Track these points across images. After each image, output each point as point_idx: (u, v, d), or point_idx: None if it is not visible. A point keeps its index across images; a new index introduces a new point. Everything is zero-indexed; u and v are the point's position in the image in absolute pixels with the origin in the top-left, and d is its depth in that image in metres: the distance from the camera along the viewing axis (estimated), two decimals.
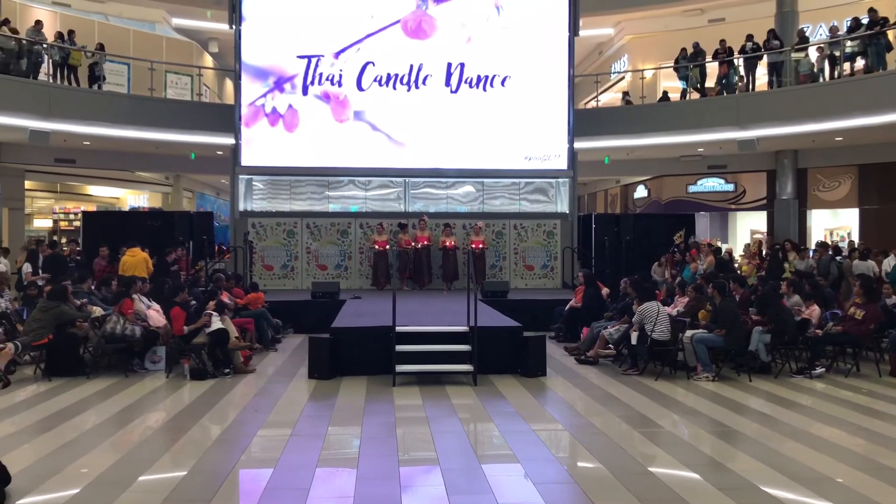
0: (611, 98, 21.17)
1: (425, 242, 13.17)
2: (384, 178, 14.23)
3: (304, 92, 13.67)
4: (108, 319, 7.92)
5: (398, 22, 13.80)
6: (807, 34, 14.76)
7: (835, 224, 16.64)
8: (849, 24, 13.44)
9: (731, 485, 4.40)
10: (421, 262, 13.21)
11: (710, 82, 15.32)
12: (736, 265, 13.18)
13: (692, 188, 18.65)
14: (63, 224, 19.35)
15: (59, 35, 14.38)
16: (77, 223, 18.16)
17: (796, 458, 4.94)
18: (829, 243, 13.51)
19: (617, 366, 8.29)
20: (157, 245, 11.96)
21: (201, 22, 19.43)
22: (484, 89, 13.89)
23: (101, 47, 14.85)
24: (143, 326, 8.02)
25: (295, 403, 6.52)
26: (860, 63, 12.89)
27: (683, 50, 15.49)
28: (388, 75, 13.79)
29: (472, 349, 7.38)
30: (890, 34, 12.60)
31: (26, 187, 17.13)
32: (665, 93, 16.41)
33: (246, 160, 13.71)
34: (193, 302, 8.85)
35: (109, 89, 14.60)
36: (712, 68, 15.23)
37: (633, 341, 7.89)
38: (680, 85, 15.72)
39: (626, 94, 17.25)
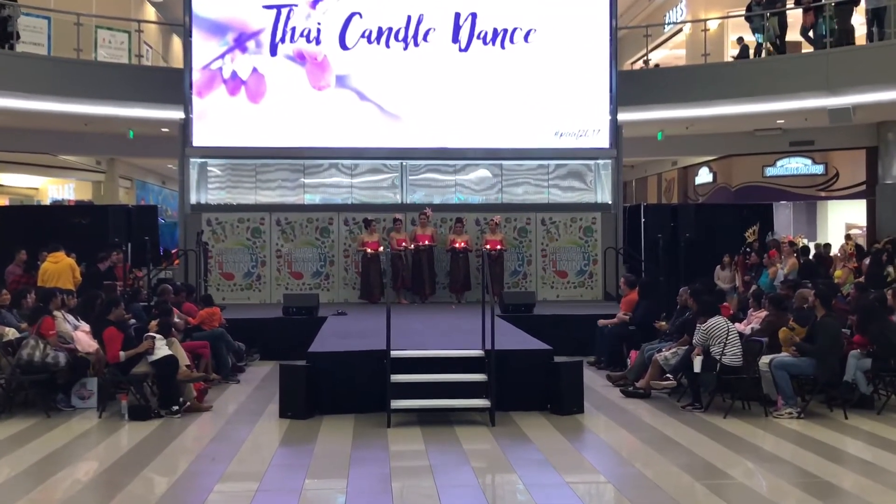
0: (665, 56, 21.23)
1: (428, 242, 13.24)
2: (375, 160, 14.31)
3: (273, 52, 13.75)
4: (24, 344, 7.80)
5: None
6: None
7: None
8: None
9: None
10: (422, 267, 13.27)
11: (793, 35, 15.29)
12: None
13: (770, 171, 18.62)
14: None
15: None
16: None
17: None
18: None
19: (675, 399, 8.30)
20: (86, 248, 11.99)
21: None
22: (502, 46, 13.93)
23: None
24: (68, 352, 7.98)
25: (262, 450, 6.55)
26: None
27: None
28: (380, 30, 13.84)
29: (489, 379, 7.38)
30: None
31: None
32: (745, 45, 16.31)
33: (199, 139, 13.82)
34: (133, 321, 8.91)
35: (25, 50, 14.63)
36: (795, 17, 15.21)
37: (696, 368, 7.86)
38: (753, 39, 15.71)
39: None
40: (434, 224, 13.57)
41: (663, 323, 9.32)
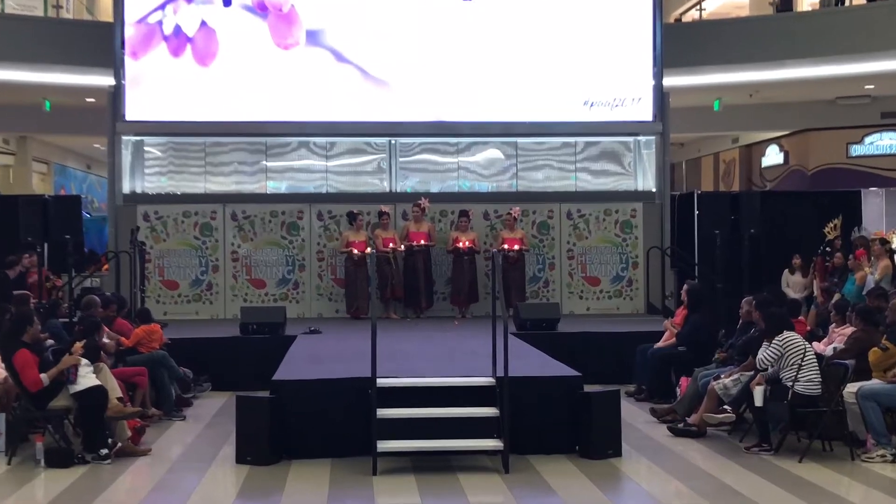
0: (722, 4, 21.14)
1: (423, 242, 13.29)
2: (357, 137, 14.35)
3: (227, 1, 13.79)
4: None
5: None
6: None
7: None
8: None
9: None
10: (416, 273, 13.31)
11: None
12: None
13: (856, 150, 18.62)
14: None
15: None
16: None
17: None
18: None
19: (737, 439, 8.26)
20: None
21: None
22: None
23: None
24: None
25: None
26: None
27: None
28: None
29: (501, 414, 7.37)
30: None
31: None
32: None
33: (133, 112, 13.85)
34: (51, 342, 8.88)
35: None
36: None
37: (758, 401, 7.84)
38: None
39: None
40: (431, 218, 13.62)
41: (723, 353, 9.31)
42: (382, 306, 13.20)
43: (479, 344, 9.20)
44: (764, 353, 7.91)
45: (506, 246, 13.09)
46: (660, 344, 10.28)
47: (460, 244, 13.27)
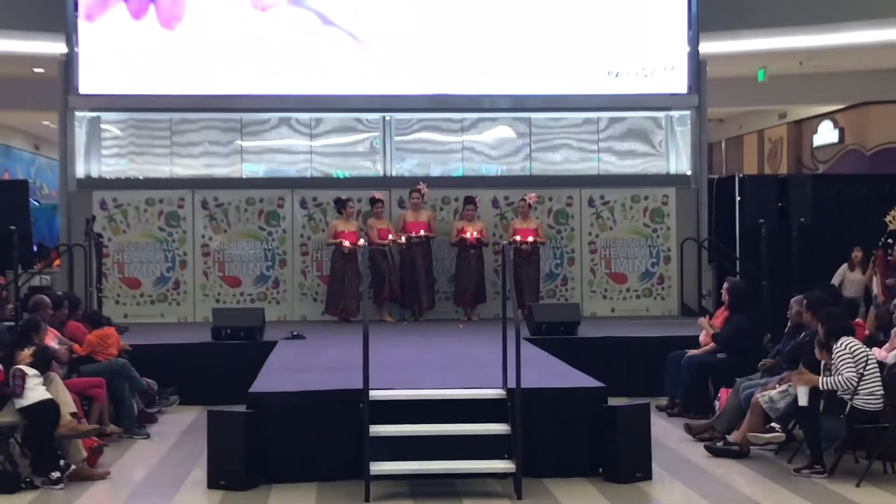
0: None
1: (423, 233, 13.34)
2: (346, 113, 14.40)
3: None
4: None
5: None
6: None
7: None
8: None
9: None
10: (415, 269, 13.35)
11: None
12: None
13: None
14: None
15: None
16: None
17: None
18: None
19: (785, 460, 8.25)
20: None
21: None
22: None
23: None
24: None
25: None
26: None
27: None
28: None
29: (513, 431, 7.37)
30: None
31: None
32: None
33: (88, 84, 13.89)
34: None
35: None
36: None
37: (801, 400, 7.86)
38: None
39: None
40: (431, 206, 13.68)
41: (768, 361, 9.22)
42: (375, 308, 13.27)
43: (488, 351, 9.21)
44: (843, 376, 7.60)
45: (518, 238, 13.13)
46: (695, 351, 10.20)
47: (466, 235, 13.32)
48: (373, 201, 13.40)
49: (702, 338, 10.30)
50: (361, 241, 12.77)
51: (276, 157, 14.51)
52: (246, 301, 13.58)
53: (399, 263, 13.42)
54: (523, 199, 13.50)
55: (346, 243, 13.04)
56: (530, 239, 13.27)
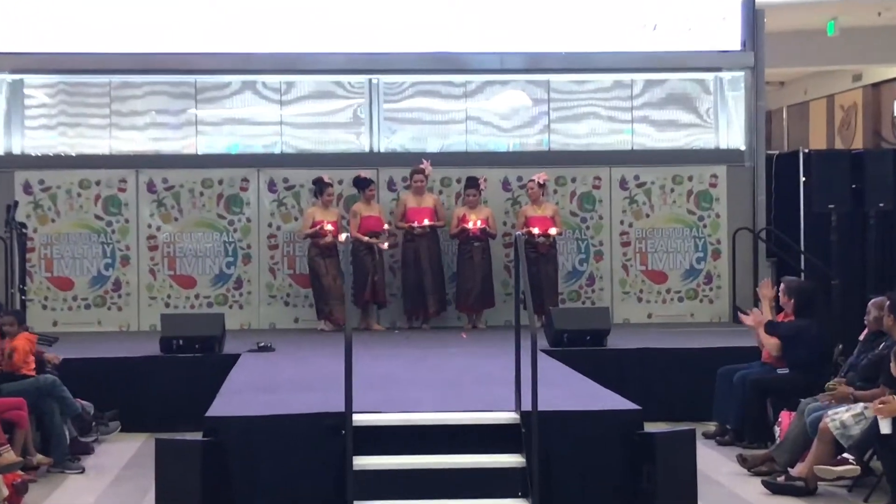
0: None
1: (429, 222, 13.52)
2: (324, 75, 14.56)
3: None
4: None
5: None
6: None
7: None
8: None
9: None
10: (420, 266, 13.53)
11: None
12: None
13: None
14: None
15: None
16: None
17: None
18: None
19: (860, 498, 8.20)
20: None
21: None
22: None
23: None
24: None
25: None
26: None
27: None
28: None
29: (529, 464, 7.40)
30: None
31: None
32: None
33: (7, 40, 13.93)
34: None
35: None
36: None
37: (884, 429, 7.72)
38: None
39: None
40: (429, 189, 13.82)
41: (840, 381, 9.10)
42: (360, 313, 13.45)
43: (497, 365, 9.30)
44: None
45: (529, 228, 13.21)
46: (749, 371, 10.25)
47: (469, 225, 13.44)
48: (360, 183, 13.50)
49: (762, 349, 10.25)
50: (343, 237, 12.51)
51: (238, 130, 14.61)
52: (202, 305, 13.74)
53: (401, 259, 13.66)
54: (532, 180, 13.59)
55: (329, 227, 13.10)
56: (553, 231, 13.38)
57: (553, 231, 13.38)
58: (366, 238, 13.31)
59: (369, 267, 13.43)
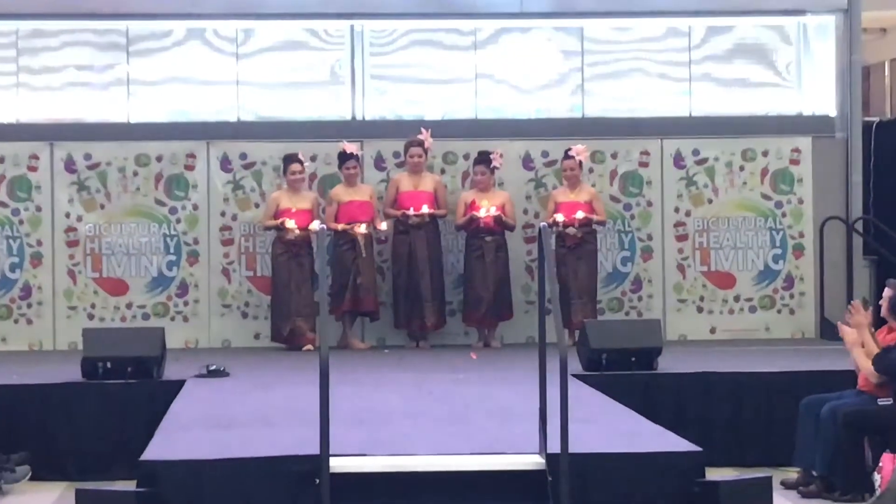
0: None
1: (429, 210, 13.41)
2: (292, 20, 14.46)
3: None
4: None
5: None
6: None
7: None
8: None
9: None
10: (415, 265, 13.45)
11: None
12: None
13: None
14: None
15: None
16: None
17: None
18: None
19: None
20: None
21: None
22: None
23: None
24: None
25: None
26: None
27: None
28: None
29: None
30: None
31: None
32: None
33: None
34: None
35: None
36: None
37: None
38: None
39: None
40: (430, 167, 13.77)
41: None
42: (339, 328, 13.38)
43: (516, 395, 9.34)
44: None
45: (558, 215, 13.14)
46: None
47: (479, 213, 13.35)
48: (342, 159, 13.43)
49: (858, 373, 10.11)
50: (316, 225, 12.79)
51: (182, 92, 14.51)
52: (136, 318, 13.70)
53: (392, 256, 13.63)
54: (569, 157, 13.49)
55: (291, 225, 13.08)
56: (580, 215, 13.23)
57: (580, 215, 13.26)
58: (341, 226, 13.26)
59: (350, 266, 13.37)
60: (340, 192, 13.41)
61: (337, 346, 12.98)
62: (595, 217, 13.42)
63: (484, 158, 13.51)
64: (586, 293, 13.39)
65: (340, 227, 13.23)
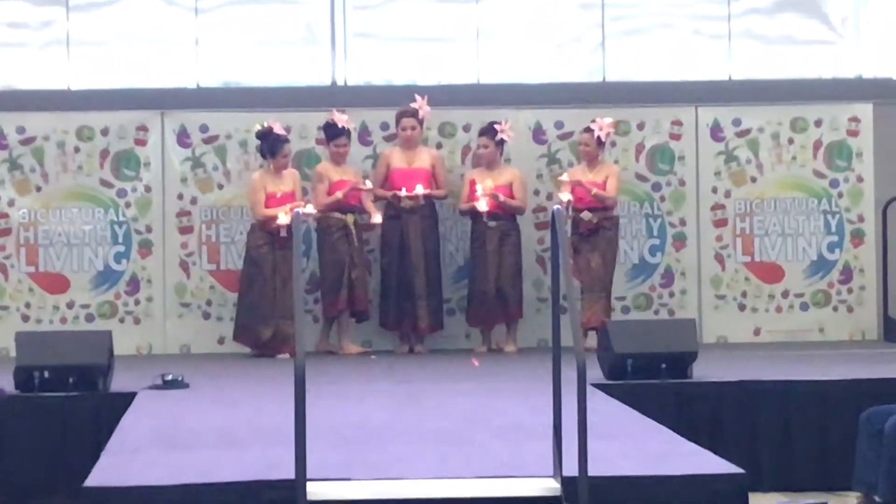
0: None
1: (426, 190, 13.48)
2: None
3: None
4: None
5: None
6: None
7: None
8: None
9: None
10: (408, 256, 13.55)
11: None
12: None
13: None
14: None
15: None
16: None
17: None
18: None
19: None
20: None
21: None
22: None
23: None
24: None
25: None
26: None
27: None
28: None
29: None
30: None
31: None
32: None
33: None
34: None
35: None
36: None
37: None
38: None
39: None
40: (425, 140, 13.86)
41: None
42: (324, 329, 13.55)
43: (527, 409, 9.39)
44: None
45: (564, 195, 13.16)
46: None
47: (481, 197, 13.40)
48: (331, 133, 13.46)
49: None
50: (308, 209, 12.93)
51: (131, 52, 14.59)
52: (79, 319, 13.76)
53: (380, 246, 13.71)
54: (588, 130, 13.49)
55: (283, 219, 13.08)
56: (593, 192, 13.27)
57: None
58: (338, 214, 13.37)
59: (345, 259, 13.45)
60: (329, 170, 13.48)
61: (318, 350, 13.20)
62: (604, 195, 13.34)
63: (489, 129, 13.58)
64: (598, 287, 13.38)
65: (338, 215, 13.28)
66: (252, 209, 13.49)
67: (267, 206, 13.20)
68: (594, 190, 13.23)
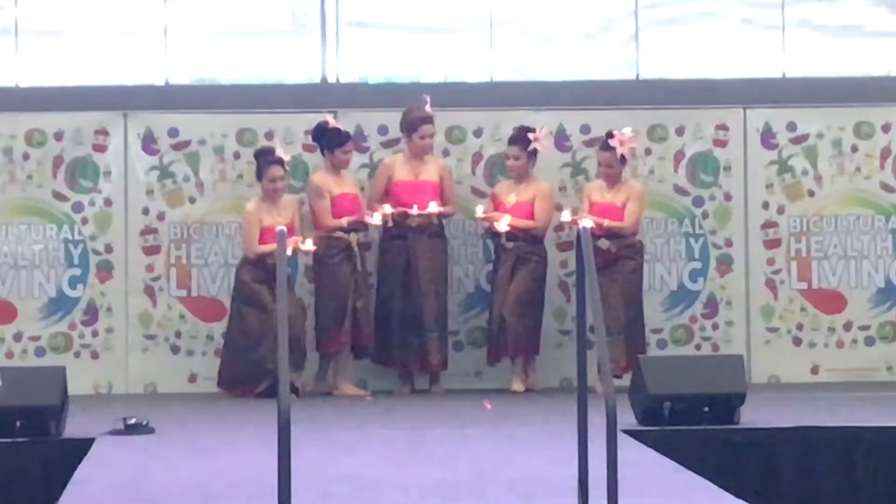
0: None
1: (437, 207, 13.54)
2: None
3: None
4: None
5: None
6: None
7: None
8: None
9: None
10: (415, 284, 13.61)
11: None
12: None
13: None
14: None
15: None
16: None
17: None
18: None
19: None
20: None
21: None
22: None
23: None
24: None
25: None
26: None
27: None
28: None
29: None
30: None
31: None
32: None
33: None
34: None
35: None
36: None
37: None
38: None
39: None
40: (436, 146, 13.86)
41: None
42: (329, 367, 13.58)
43: (547, 458, 9.39)
44: None
45: (585, 221, 12.88)
46: None
47: (497, 227, 13.46)
48: (334, 138, 13.53)
49: None
50: (305, 245, 13.07)
51: (91, 44, 14.67)
52: (27, 353, 13.82)
53: (378, 271, 13.83)
54: (607, 148, 13.51)
55: (308, 245, 13.22)
56: (433, 207, 13.38)
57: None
58: (339, 233, 13.47)
59: (349, 284, 13.53)
60: (329, 182, 13.54)
61: (314, 391, 13.36)
62: (618, 227, 13.43)
63: (520, 137, 13.60)
64: (616, 328, 13.29)
65: (345, 234, 13.38)
66: (245, 246, 13.60)
67: (261, 242, 13.23)
68: (606, 222, 13.22)
